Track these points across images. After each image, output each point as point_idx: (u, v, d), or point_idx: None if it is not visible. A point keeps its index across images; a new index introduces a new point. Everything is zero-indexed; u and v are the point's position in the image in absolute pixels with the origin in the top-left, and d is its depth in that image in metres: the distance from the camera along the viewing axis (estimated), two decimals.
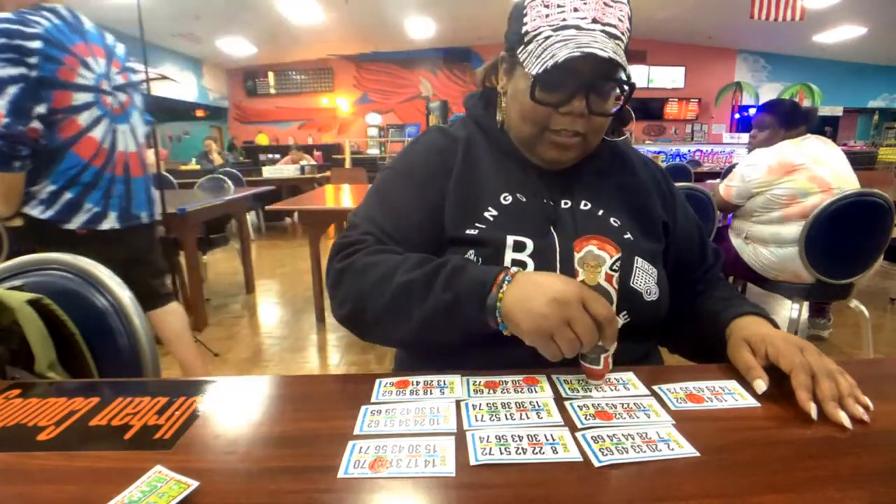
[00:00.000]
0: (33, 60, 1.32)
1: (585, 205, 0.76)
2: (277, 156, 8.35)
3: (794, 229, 1.99)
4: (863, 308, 2.11)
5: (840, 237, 1.94)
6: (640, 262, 0.72)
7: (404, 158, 0.81)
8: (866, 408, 0.51)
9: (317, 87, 10.39)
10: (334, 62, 10.22)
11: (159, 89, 7.47)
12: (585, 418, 0.51)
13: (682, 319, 0.79)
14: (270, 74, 10.30)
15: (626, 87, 0.70)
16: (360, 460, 0.45)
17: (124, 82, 1.64)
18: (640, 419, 0.51)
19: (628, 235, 0.75)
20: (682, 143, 9.33)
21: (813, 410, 0.50)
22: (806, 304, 2.50)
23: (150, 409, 0.55)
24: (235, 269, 4.02)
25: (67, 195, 1.46)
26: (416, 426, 0.50)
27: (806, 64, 9.52)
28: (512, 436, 0.48)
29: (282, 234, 6.39)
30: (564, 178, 0.77)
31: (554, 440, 0.47)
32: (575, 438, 0.47)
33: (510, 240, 0.70)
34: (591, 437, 0.47)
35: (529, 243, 0.70)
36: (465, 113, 0.87)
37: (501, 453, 0.45)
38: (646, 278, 0.72)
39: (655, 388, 0.57)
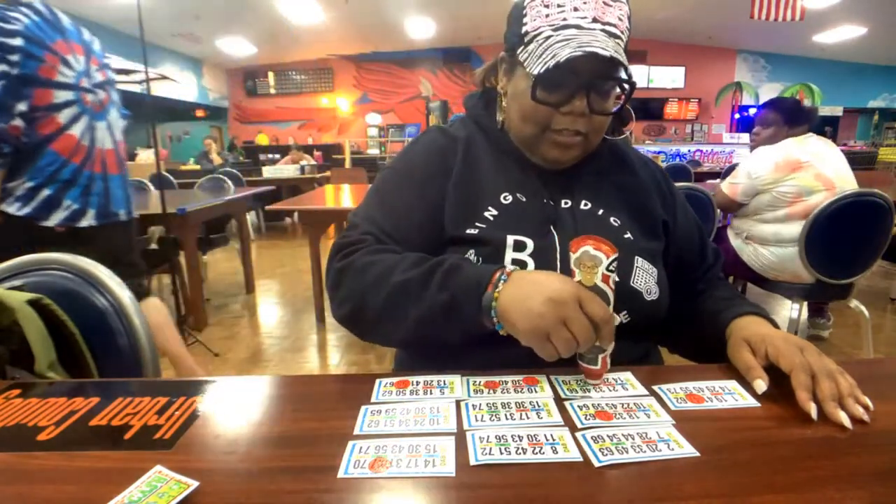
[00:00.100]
0: (14, 58, 1.31)
1: (585, 204, 0.76)
2: (277, 156, 8.36)
3: (796, 229, 1.98)
4: (863, 308, 2.10)
5: (840, 237, 1.94)
6: (640, 262, 0.72)
7: (404, 158, 0.81)
8: (866, 408, 0.51)
9: (317, 87, 10.39)
10: (334, 62, 10.22)
11: (159, 89, 7.47)
12: (585, 418, 0.51)
13: (681, 319, 0.79)
14: (270, 74, 10.30)
15: (626, 87, 0.70)
16: (360, 460, 0.45)
17: (103, 79, 1.63)
18: (640, 419, 0.51)
19: (628, 235, 0.75)
20: (682, 143, 9.33)
21: (813, 410, 0.50)
22: (805, 304, 2.50)
23: (150, 409, 0.55)
24: (235, 269, 4.02)
25: (45, 192, 1.45)
26: (416, 426, 0.50)
27: (806, 64, 9.53)
28: (512, 436, 0.48)
29: (282, 234, 6.39)
30: (564, 178, 0.77)
31: (554, 440, 0.47)
32: (575, 438, 0.47)
33: (510, 239, 0.70)
34: (591, 437, 0.47)
35: (530, 243, 0.70)
36: (465, 113, 0.87)
37: (501, 453, 0.45)
38: (646, 278, 0.72)
39: (655, 388, 0.57)
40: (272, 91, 10.43)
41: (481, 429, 0.49)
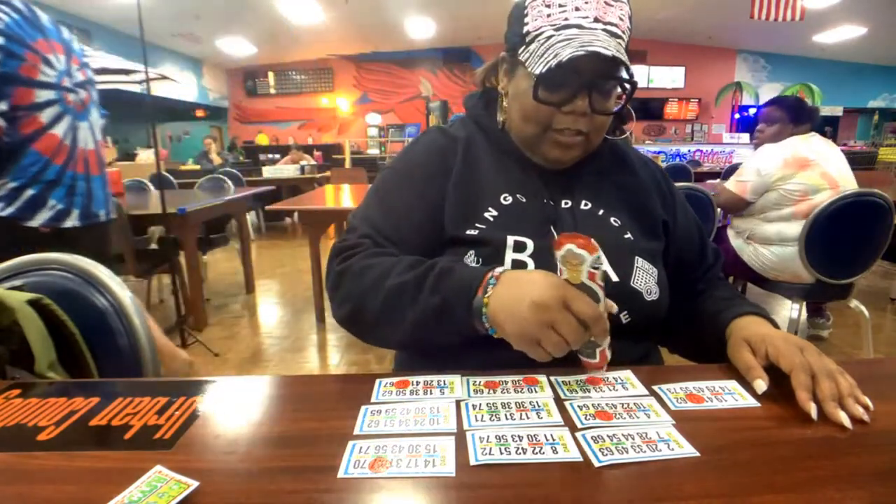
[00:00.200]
0: None
1: (586, 205, 0.76)
2: (277, 156, 8.36)
3: (798, 228, 1.98)
4: (863, 308, 2.10)
5: (840, 237, 1.94)
6: (640, 262, 0.72)
7: (404, 159, 0.81)
8: (866, 408, 0.51)
9: (317, 87, 10.39)
10: (334, 62, 10.23)
11: (159, 89, 7.47)
12: (585, 418, 0.51)
13: (681, 319, 0.79)
14: (270, 74, 10.31)
15: (627, 86, 0.70)
16: (360, 460, 0.45)
17: (84, 79, 1.63)
18: (640, 419, 0.51)
19: (628, 235, 0.75)
20: (682, 143, 9.33)
21: (813, 410, 0.50)
22: (804, 304, 2.50)
23: (150, 409, 0.55)
24: (235, 269, 4.02)
25: (29, 192, 1.45)
26: (416, 426, 0.50)
27: (806, 64, 9.53)
28: (512, 436, 0.48)
29: (282, 234, 6.39)
30: (565, 178, 0.77)
31: (554, 440, 0.47)
32: (575, 438, 0.47)
33: (510, 240, 0.70)
34: (591, 437, 0.47)
35: (530, 243, 0.70)
36: (465, 113, 0.87)
37: (501, 453, 0.45)
38: (646, 278, 0.72)
39: (655, 388, 0.57)
40: (272, 91, 10.43)
41: (481, 429, 0.49)
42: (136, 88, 5.01)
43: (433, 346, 0.66)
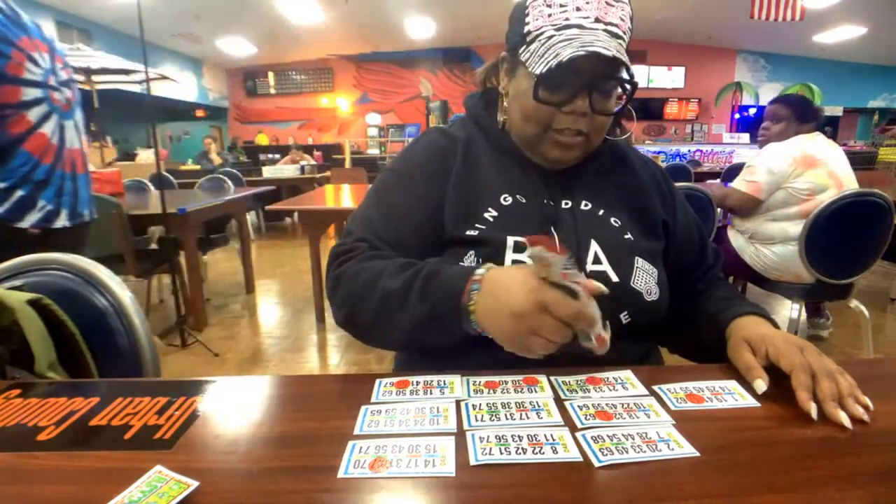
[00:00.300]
0: None
1: (586, 205, 0.76)
2: (277, 156, 8.36)
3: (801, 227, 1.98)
4: (863, 308, 2.10)
5: (840, 237, 1.94)
6: (640, 262, 0.72)
7: (404, 159, 0.81)
8: (866, 408, 0.51)
9: (317, 87, 10.39)
10: (334, 62, 10.23)
11: (159, 89, 7.48)
12: (585, 418, 0.51)
13: (682, 319, 0.79)
14: (270, 74, 10.31)
15: (628, 87, 0.70)
16: (360, 460, 0.45)
17: (67, 77, 1.62)
18: (640, 419, 0.51)
19: (629, 236, 0.75)
20: (682, 143, 9.33)
21: (813, 410, 0.50)
22: (805, 304, 2.50)
23: (150, 409, 0.55)
24: (235, 269, 4.02)
25: (19, 193, 1.44)
26: (416, 426, 0.50)
27: (806, 64, 9.53)
28: (512, 436, 0.48)
29: (282, 234, 6.39)
30: (565, 178, 0.77)
31: (554, 440, 0.47)
32: (575, 438, 0.47)
33: (510, 240, 0.70)
34: (591, 437, 0.47)
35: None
36: (465, 113, 0.87)
37: (501, 453, 0.45)
38: (646, 278, 0.72)
39: (655, 388, 0.57)
40: (272, 91, 10.43)
41: (481, 429, 0.49)
42: (136, 88, 5.03)
43: (433, 347, 0.66)
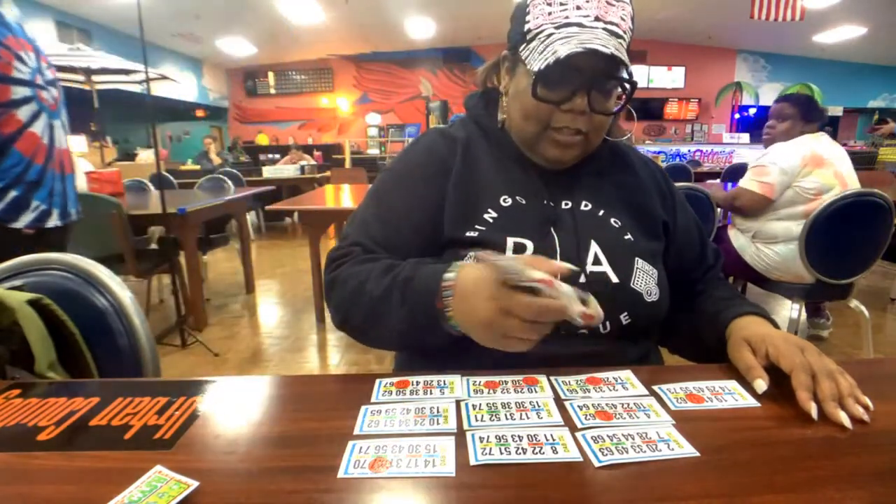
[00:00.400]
0: None
1: (586, 205, 0.76)
2: (277, 156, 8.36)
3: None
4: (863, 308, 2.10)
5: (840, 237, 1.94)
6: (640, 263, 0.72)
7: (403, 161, 0.81)
8: (866, 408, 0.51)
9: (317, 87, 10.39)
10: (334, 62, 10.23)
11: (159, 89, 7.48)
12: (585, 418, 0.51)
13: (682, 320, 0.79)
14: (270, 74, 10.31)
15: (627, 86, 0.70)
16: (360, 460, 0.45)
17: (53, 77, 1.63)
18: (640, 419, 0.51)
19: (629, 236, 0.75)
20: (682, 143, 9.33)
21: (813, 410, 0.50)
22: (805, 304, 2.49)
23: (150, 409, 0.55)
24: (235, 269, 4.03)
25: (13, 193, 1.45)
26: (416, 426, 0.50)
27: (806, 64, 9.53)
28: (512, 436, 0.48)
29: (282, 234, 6.39)
30: (565, 179, 0.77)
31: (554, 440, 0.47)
32: (575, 438, 0.47)
33: (510, 242, 0.70)
34: (591, 437, 0.47)
35: (529, 245, 0.70)
36: (465, 113, 0.86)
37: (501, 453, 0.45)
38: (646, 279, 0.72)
39: (655, 388, 0.57)
40: (272, 91, 10.43)
41: (481, 429, 0.49)
42: (136, 88, 5.03)
43: (431, 346, 0.66)
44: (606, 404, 0.54)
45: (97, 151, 5.46)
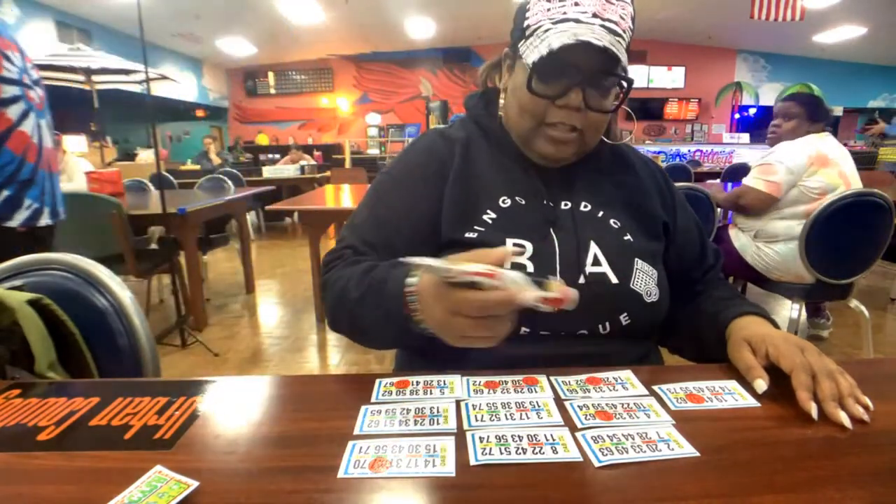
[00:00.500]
0: None
1: (585, 206, 0.76)
2: (277, 156, 8.36)
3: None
4: (863, 308, 2.10)
5: (840, 237, 1.94)
6: (639, 264, 0.72)
7: (401, 162, 0.81)
8: (866, 408, 0.51)
9: (317, 87, 10.39)
10: (334, 62, 10.23)
11: (159, 89, 7.48)
12: (585, 418, 0.51)
13: (681, 320, 0.79)
14: (270, 74, 10.30)
15: (624, 84, 0.69)
16: (360, 460, 0.45)
17: (38, 77, 1.64)
18: (640, 419, 0.51)
19: (628, 237, 0.74)
20: (682, 143, 9.32)
21: (814, 410, 0.50)
22: (805, 304, 2.49)
23: (150, 409, 0.55)
24: (235, 269, 4.03)
25: (5, 193, 1.46)
26: (416, 426, 0.50)
27: (806, 64, 9.52)
28: (512, 436, 0.48)
29: (282, 234, 6.39)
30: (564, 179, 0.77)
31: (554, 440, 0.47)
32: (575, 438, 0.47)
33: (509, 243, 0.70)
34: (591, 437, 0.47)
35: (529, 246, 0.70)
36: (465, 113, 0.86)
37: (501, 453, 0.45)
38: (646, 280, 0.72)
39: (655, 388, 0.57)
40: (272, 91, 10.43)
41: (481, 429, 0.49)
42: (136, 88, 5.03)
43: (415, 345, 0.66)
44: (606, 404, 0.54)
45: (97, 151, 5.47)
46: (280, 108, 10.52)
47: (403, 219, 0.74)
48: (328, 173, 6.71)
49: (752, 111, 9.59)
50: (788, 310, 2.15)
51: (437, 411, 0.53)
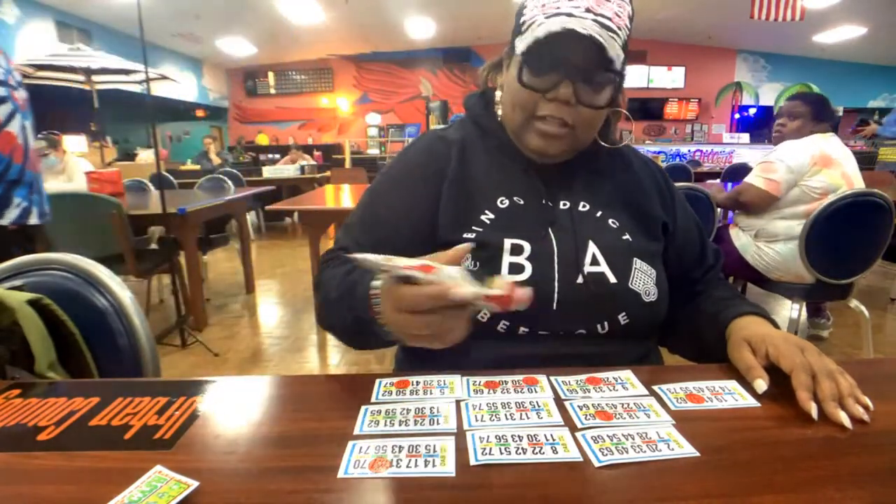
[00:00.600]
0: None
1: (584, 206, 0.76)
2: (277, 156, 8.36)
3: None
4: (863, 308, 2.10)
5: (840, 237, 1.94)
6: (638, 263, 0.72)
7: (398, 164, 0.81)
8: (866, 408, 0.51)
9: (317, 87, 10.39)
10: (334, 62, 10.22)
11: (159, 89, 7.48)
12: (585, 418, 0.51)
13: (681, 320, 0.79)
14: (270, 74, 10.30)
15: (616, 79, 0.68)
16: (360, 460, 0.45)
17: (20, 79, 1.66)
18: (640, 419, 0.51)
19: (627, 237, 0.74)
20: (682, 143, 9.31)
21: (814, 410, 0.50)
22: (804, 304, 2.49)
23: (150, 409, 0.55)
24: (235, 269, 4.03)
25: None
26: (416, 426, 0.50)
27: (806, 64, 9.52)
28: (512, 436, 0.48)
29: (282, 234, 6.39)
30: (563, 179, 0.77)
31: (554, 440, 0.47)
32: (575, 438, 0.47)
33: (507, 243, 0.70)
34: (591, 437, 0.47)
35: (527, 246, 0.70)
36: (464, 113, 0.87)
37: (501, 453, 0.45)
38: (644, 279, 0.72)
39: (655, 388, 0.57)
40: (272, 91, 10.43)
41: (481, 429, 0.49)
42: (136, 88, 5.03)
43: (377, 348, 0.68)
44: (606, 404, 0.54)
45: (97, 151, 5.47)
46: (280, 108, 10.52)
47: (403, 219, 0.74)
48: (328, 173, 6.71)
49: (752, 111, 9.58)
50: (788, 310, 2.15)
51: (437, 411, 0.53)
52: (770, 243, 2.11)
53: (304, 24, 7.77)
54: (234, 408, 0.56)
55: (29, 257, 0.85)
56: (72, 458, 0.47)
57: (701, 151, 8.67)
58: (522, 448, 0.46)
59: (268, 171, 6.20)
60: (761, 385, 0.55)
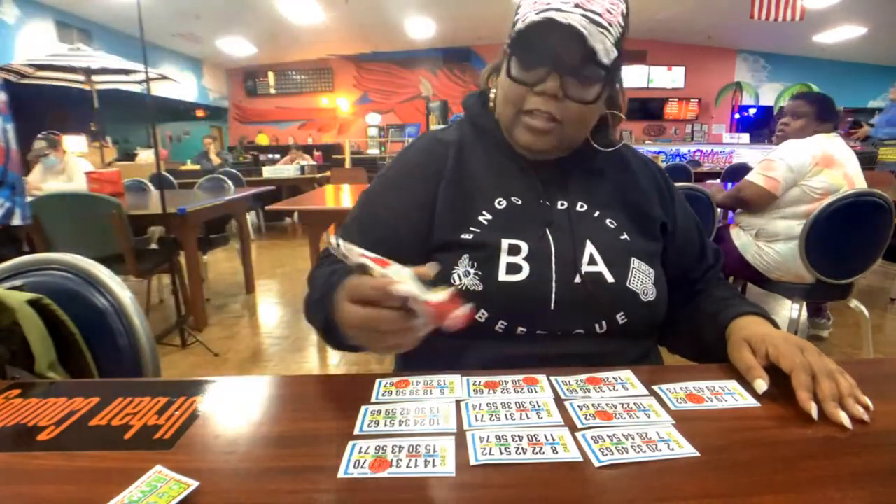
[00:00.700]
0: None
1: (581, 206, 0.76)
2: (277, 156, 8.37)
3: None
4: (863, 308, 2.10)
5: (840, 237, 1.94)
6: (636, 263, 0.72)
7: (397, 165, 0.81)
8: (866, 408, 0.51)
9: (317, 87, 10.39)
10: (334, 62, 10.22)
11: (159, 89, 7.48)
12: (585, 418, 0.51)
13: (681, 319, 0.79)
14: (270, 74, 10.30)
15: (602, 72, 0.67)
16: (360, 460, 0.45)
17: (1, 81, 1.66)
18: (640, 419, 0.51)
19: (625, 236, 0.74)
20: (682, 143, 9.31)
21: (814, 410, 0.50)
22: (804, 304, 2.49)
23: (150, 409, 0.55)
24: (235, 269, 4.03)
25: None
26: (416, 426, 0.50)
27: (806, 64, 9.52)
28: (512, 436, 0.48)
29: (282, 234, 6.39)
30: (561, 179, 0.77)
31: (554, 440, 0.47)
32: (575, 438, 0.47)
33: (505, 243, 0.70)
34: (591, 437, 0.47)
35: (524, 246, 0.70)
36: (463, 113, 0.87)
37: (501, 453, 0.45)
38: (642, 279, 0.72)
39: (655, 388, 0.57)
40: (272, 91, 10.43)
41: (481, 429, 0.49)
42: (136, 88, 5.03)
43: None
44: (606, 404, 0.54)
45: (97, 151, 5.47)
46: (280, 108, 10.52)
47: (401, 219, 0.74)
48: (328, 173, 6.71)
49: (752, 111, 9.59)
50: (788, 310, 2.15)
51: (437, 411, 0.53)
52: (770, 243, 2.11)
53: (304, 24, 7.77)
54: (234, 408, 0.56)
55: (29, 257, 0.85)
56: (72, 458, 0.47)
57: (701, 151, 8.67)
58: (522, 448, 0.46)
59: (268, 171, 6.20)
60: (761, 385, 0.55)
